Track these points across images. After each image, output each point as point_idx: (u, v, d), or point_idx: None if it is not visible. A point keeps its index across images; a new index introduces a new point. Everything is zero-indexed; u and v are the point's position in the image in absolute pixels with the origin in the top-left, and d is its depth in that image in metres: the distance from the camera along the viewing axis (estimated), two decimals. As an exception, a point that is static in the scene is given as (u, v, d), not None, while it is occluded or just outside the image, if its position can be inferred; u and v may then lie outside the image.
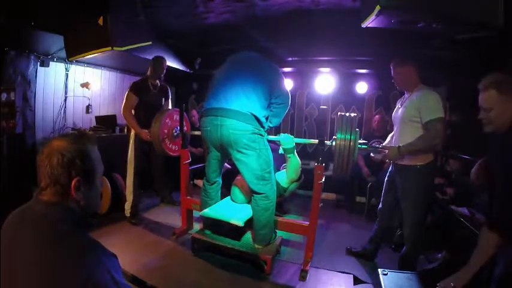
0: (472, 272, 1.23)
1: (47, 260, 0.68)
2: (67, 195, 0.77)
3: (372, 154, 2.36)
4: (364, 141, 2.17)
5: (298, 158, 2.36)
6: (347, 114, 2.08)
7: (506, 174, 1.20)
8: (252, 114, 2.05)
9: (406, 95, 2.17)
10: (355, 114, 2.12)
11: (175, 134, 2.90)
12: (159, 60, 2.99)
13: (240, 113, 2.03)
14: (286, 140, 2.27)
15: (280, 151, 2.36)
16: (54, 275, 0.67)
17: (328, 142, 2.17)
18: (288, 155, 2.31)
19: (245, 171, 2.12)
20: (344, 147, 1.97)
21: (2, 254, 0.74)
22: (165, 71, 3.03)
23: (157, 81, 3.03)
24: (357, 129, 2.01)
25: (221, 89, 2.13)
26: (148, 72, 3.00)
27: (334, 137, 2.07)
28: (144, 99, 2.92)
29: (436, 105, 1.92)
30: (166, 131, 2.82)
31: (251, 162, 2.08)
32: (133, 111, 2.93)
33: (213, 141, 2.16)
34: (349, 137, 1.97)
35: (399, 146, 2.01)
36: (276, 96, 2.15)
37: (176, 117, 2.91)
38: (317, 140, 2.22)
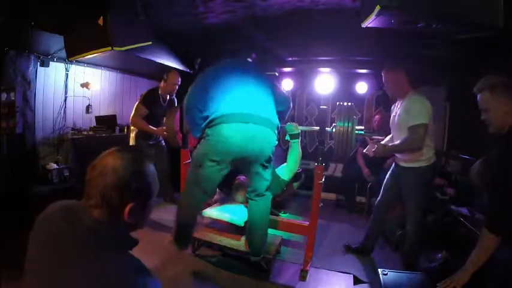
0: (471, 272, 1.23)
1: (90, 275, 0.65)
2: (118, 216, 0.73)
3: (365, 151, 2.42)
4: (361, 127, 2.33)
5: (300, 149, 2.39)
6: (345, 103, 2.25)
7: (502, 176, 1.21)
8: (275, 122, 1.87)
9: (398, 103, 2.21)
10: (353, 103, 2.31)
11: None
12: (173, 76, 3.04)
13: (270, 122, 1.81)
14: (291, 127, 2.36)
15: (287, 137, 2.41)
16: None
17: (328, 129, 2.31)
18: (293, 141, 2.35)
19: (259, 183, 1.97)
20: (343, 133, 2.15)
21: (37, 249, 0.73)
22: (177, 87, 3.08)
23: (168, 96, 3.07)
24: (355, 117, 2.20)
25: (237, 94, 1.80)
26: (161, 84, 3.05)
27: (334, 124, 2.26)
28: (152, 112, 2.98)
29: (421, 112, 2.01)
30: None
31: (267, 175, 1.97)
32: None
33: (235, 154, 1.78)
34: (347, 124, 2.14)
35: (385, 145, 2.21)
36: (281, 103, 2.04)
37: None
38: (318, 128, 2.38)
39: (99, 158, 0.75)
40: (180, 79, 3.13)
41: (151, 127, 2.97)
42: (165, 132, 2.89)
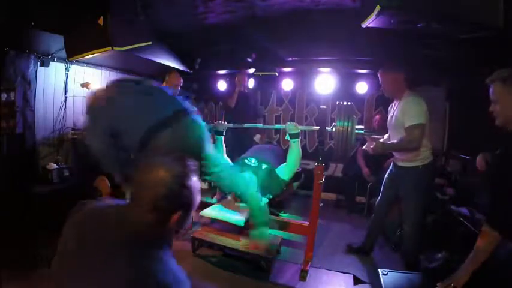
0: (471, 271, 1.23)
1: (134, 273, 0.70)
2: (165, 221, 0.79)
3: (364, 147, 2.43)
4: (361, 127, 2.32)
5: (300, 148, 2.41)
6: (344, 102, 2.24)
7: (506, 173, 1.20)
8: None
9: (395, 103, 2.22)
10: (352, 103, 2.29)
11: None
12: (174, 77, 3.08)
13: None
14: (291, 127, 2.37)
15: (287, 137, 2.43)
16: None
17: (328, 128, 2.31)
18: (293, 141, 2.37)
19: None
20: (343, 132, 2.15)
21: (70, 249, 0.76)
22: (179, 88, 3.11)
23: None
24: (354, 116, 2.20)
25: None
26: (163, 85, 3.05)
27: (334, 123, 2.25)
28: None
29: (417, 112, 2.02)
30: None
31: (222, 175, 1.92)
32: None
33: None
34: (347, 123, 2.14)
35: (384, 142, 2.22)
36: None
37: None
38: (318, 127, 2.40)
39: (150, 167, 0.80)
40: (181, 80, 3.13)
41: None
42: None
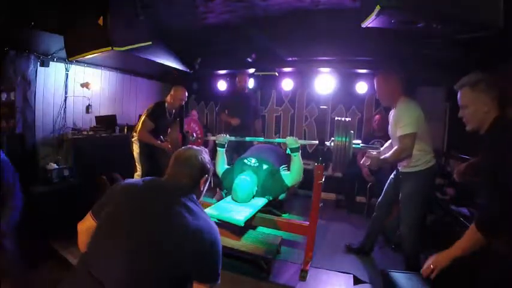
0: (453, 256, 1.22)
1: (174, 219, 0.98)
2: (196, 184, 1.14)
3: (361, 162, 2.46)
4: (358, 142, 2.35)
5: (301, 160, 2.44)
6: (342, 119, 2.28)
7: (492, 174, 1.18)
8: None
9: (392, 110, 2.23)
10: (350, 119, 2.32)
11: (192, 138, 3.31)
12: (180, 92, 3.14)
13: None
14: (292, 141, 2.41)
15: (288, 151, 2.47)
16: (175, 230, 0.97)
17: (327, 143, 2.32)
18: (294, 154, 2.40)
19: None
20: (341, 147, 2.17)
21: (130, 207, 1.02)
22: (183, 102, 3.20)
23: (174, 110, 3.21)
24: (351, 131, 2.23)
25: None
26: (168, 99, 3.15)
27: (332, 138, 2.25)
28: (157, 124, 3.08)
29: (409, 121, 2.03)
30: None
31: None
32: None
33: None
34: (344, 139, 2.17)
35: (379, 158, 2.20)
36: None
37: (192, 124, 3.31)
38: (317, 141, 2.44)
39: (183, 150, 1.18)
40: (186, 94, 3.20)
41: (158, 142, 3.11)
42: (169, 146, 3.10)
